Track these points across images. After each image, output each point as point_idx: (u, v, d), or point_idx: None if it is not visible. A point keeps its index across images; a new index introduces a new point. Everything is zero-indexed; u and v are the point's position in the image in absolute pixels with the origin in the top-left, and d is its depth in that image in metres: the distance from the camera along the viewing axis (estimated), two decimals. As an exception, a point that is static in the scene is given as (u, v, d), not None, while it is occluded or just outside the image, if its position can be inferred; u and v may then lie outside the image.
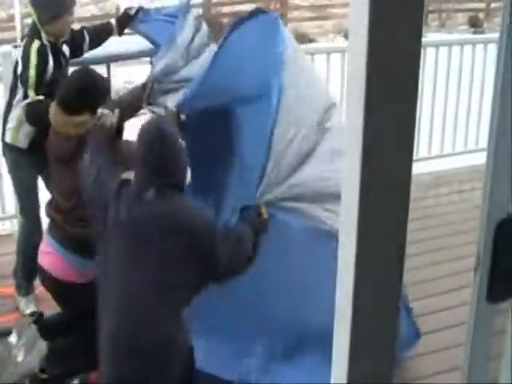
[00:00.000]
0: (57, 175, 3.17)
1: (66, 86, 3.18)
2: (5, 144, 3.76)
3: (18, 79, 3.61)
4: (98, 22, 4.23)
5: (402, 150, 1.13)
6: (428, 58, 5.54)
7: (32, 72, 3.50)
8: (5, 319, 3.73)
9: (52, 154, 3.16)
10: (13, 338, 3.32)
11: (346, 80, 1.12)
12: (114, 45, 4.80)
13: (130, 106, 3.37)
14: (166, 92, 3.37)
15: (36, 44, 3.56)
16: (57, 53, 3.68)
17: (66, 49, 3.79)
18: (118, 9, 17.68)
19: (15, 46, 4.27)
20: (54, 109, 3.12)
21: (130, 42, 4.18)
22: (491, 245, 1.30)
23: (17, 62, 3.66)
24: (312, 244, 3.16)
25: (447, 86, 5.78)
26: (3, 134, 3.74)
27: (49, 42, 3.62)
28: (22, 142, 3.67)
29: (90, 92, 3.08)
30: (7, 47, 4.96)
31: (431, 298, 3.93)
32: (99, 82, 3.16)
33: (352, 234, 1.12)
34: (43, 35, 3.60)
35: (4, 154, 3.83)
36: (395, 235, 1.16)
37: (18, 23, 15.43)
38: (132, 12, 3.88)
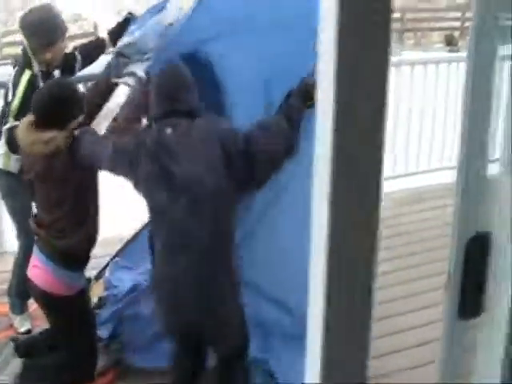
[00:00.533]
0: (37, 190, 3.17)
1: (36, 98, 3.12)
2: None
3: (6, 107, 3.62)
4: (80, 41, 4.16)
5: (371, 170, 1.14)
6: (404, 76, 5.60)
7: (16, 101, 3.50)
8: None
9: (27, 172, 3.17)
10: None
11: (318, 100, 1.13)
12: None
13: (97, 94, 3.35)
14: (132, 62, 3.32)
15: (27, 75, 3.53)
16: (48, 79, 3.61)
17: (57, 73, 3.74)
18: (95, 27, 17.71)
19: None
20: (23, 127, 3.09)
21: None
22: (462, 261, 1.31)
23: (7, 89, 3.63)
24: None
25: (423, 103, 5.84)
26: None
27: (41, 71, 3.58)
28: (13, 167, 3.66)
29: (61, 103, 3.04)
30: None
31: (400, 317, 3.93)
32: (71, 94, 3.10)
33: (322, 248, 1.12)
34: (35, 64, 3.55)
35: None
36: (365, 249, 1.16)
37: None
38: (121, 21, 3.76)
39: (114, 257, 4.01)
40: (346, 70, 1.05)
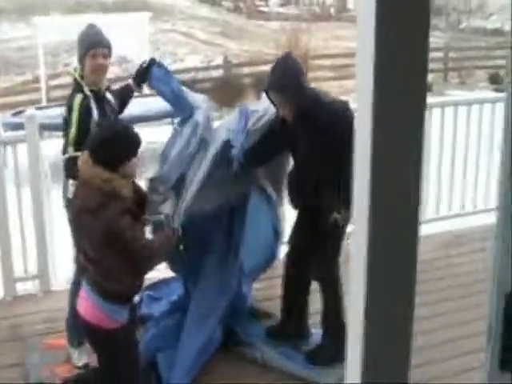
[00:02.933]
0: (83, 226, 3.18)
1: (90, 135, 3.23)
2: (68, 200, 3.81)
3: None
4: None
5: (407, 217, 1.13)
6: (448, 116, 5.56)
7: (73, 129, 3.62)
8: (58, 370, 3.75)
9: (78, 204, 3.19)
10: None
11: (356, 138, 1.14)
12: (134, 106, 4.92)
13: None
14: (163, 201, 3.57)
15: (78, 98, 3.68)
16: (100, 100, 3.78)
17: (110, 97, 3.89)
18: (141, 70, 18.07)
19: (39, 108, 4.37)
20: (84, 158, 3.15)
21: (147, 103, 4.26)
22: (502, 315, 1.28)
23: (65, 120, 3.76)
24: None
25: (467, 144, 5.78)
26: (65, 191, 3.81)
27: (91, 91, 3.72)
28: None
29: (112, 144, 3.11)
30: (31, 110, 5.07)
31: (439, 364, 3.84)
32: (123, 135, 3.17)
33: (360, 288, 1.12)
34: (85, 87, 3.71)
35: (67, 207, 3.84)
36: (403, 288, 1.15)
37: (43, 84, 15.85)
38: (144, 64, 3.96)
39: (145, 290, 4.29)
40: (383, 109, 1.06)
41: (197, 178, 3.74)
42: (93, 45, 3.77)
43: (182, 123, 3.98)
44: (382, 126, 1.05)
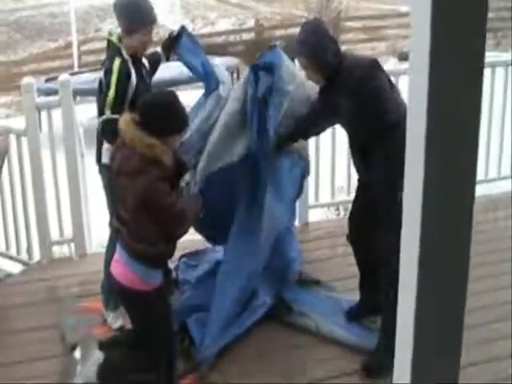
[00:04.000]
0: (120, 188, 3.19)
1: (144, 101, 3.21)
2: (101, 165, 3.86)
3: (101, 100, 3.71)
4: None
5: (465, 176, 1.10)
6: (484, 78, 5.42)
7: (112, 91, 3.61)
8: (94, 333, 3.80)
9: (116, 165, 3.18)
10: (77, 353, 3.38)
11: (408, 102, 1.11)
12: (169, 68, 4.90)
13: None
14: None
15: (117, 61, 3.67)
16: (138, 64, 3.79)
17: (145, 62, 3.91)
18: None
19: (72, 74, 4.36)
20: (127, 120, 3.13)
21: (179, 66, 4.25)
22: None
23: (100, 83, 3.76)
24: None
25: (504, 107, 5.66)
26: (99, 156, 3.84)
27: (129, 55, 3.72)
28: None
29: (166, 115, 3.10)
30: (65, 76, 5.07)
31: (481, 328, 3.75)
32: (177, 109, 3.16)
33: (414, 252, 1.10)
34: (123, 51, 3.71)
35: (101, 172, 3.89)
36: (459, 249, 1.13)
37: (75, 50, 15.87)
38: (173, 34, 3.94)
39: (181, 257, 4.42)
40: (439, 71, 1.03)
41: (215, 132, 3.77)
42: (150, 21, 3.77)
43: (206, 95, 3.96)
44: (437, 88, 1.02)
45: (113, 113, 3.55)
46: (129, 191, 3.08)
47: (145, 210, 3.06)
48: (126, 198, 3.13)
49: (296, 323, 3.94)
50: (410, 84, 1.09)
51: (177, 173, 3.23)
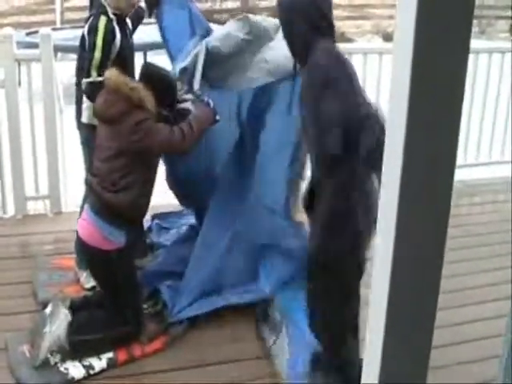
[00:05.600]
0: (100, 137, 3.30)
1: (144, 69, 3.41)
2: (80, 123, 3.85)
3: (84, 59, 3.67)
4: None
5: (445, 160, 1.10)
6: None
7: (97, 52, 3.58)
8: (66, 291, 3.78)
9: (99, 114, 3.32)
10: (47, 310, 3.40)
11: (391, 82, 1.10)
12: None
13: None
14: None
15: (103, 20, 3.64)
16: (122, 24, 3.78)
17: (128, 21, 3.90)
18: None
19: (54, 29, 4.30)
20: (111, 71, 3.29)
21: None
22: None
23: (83, 39, 3.73)
24: None
25: (486, 93, 5.69)
26: (78, 115, 3.83)
27: (114, 14, 3.70)
28: (96, 121, 3.67)
29: (159, 89, 3.28)
30: (47, 29, 4.99)
31: (459, 309, 3.82)
32: (170, 86, 3.39)
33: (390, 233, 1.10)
34: (109, 10, 3.68)
35: (79, 128, 3.90)
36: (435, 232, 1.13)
37: (58, 6, 15.58)
38: None
39: (153, 219, 4.45)
40: (423, 51, 1.02)
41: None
42: None
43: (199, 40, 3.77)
44: (421, 69, 1.01)
45: (99, 74, 3.52)
46: (114, 135, 3.21)
47: (130, 154, 3.17)
48: (104, 147, 3.25)
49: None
50: (393, 65, 1.08)
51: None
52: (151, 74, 3.35)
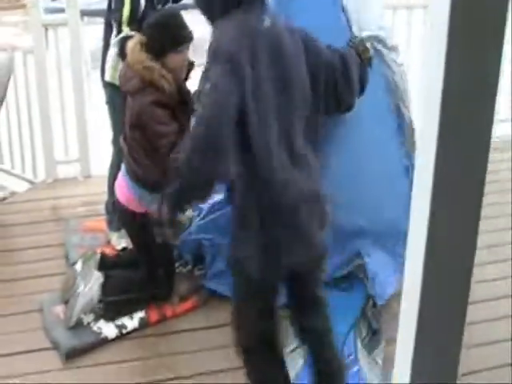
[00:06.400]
0: (128, 103, 3.25)
1: (150, 20, 3.23)
2: (105, 82, 3.82)
3: (112, 16, 3.64)
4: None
5: (482, 111, 1.06)
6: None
7: (126, 7, 3.53)
8: (97, 252, 3.76)
9: (120, 85, 3.27)
10: (78, 266, 3.44)
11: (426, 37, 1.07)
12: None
13: None
14: None
15: None
16: None
17: None
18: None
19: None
20: (134, 42, 3.17)
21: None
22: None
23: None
24: None
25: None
26: (103, 73, 3.79)
27: None
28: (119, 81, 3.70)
29: (163, 33, 3.12)
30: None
31: (483, 267, 3.68)
32: (175, 26, 3.16)
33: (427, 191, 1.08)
34: None
35: (105, 87, 3.85)
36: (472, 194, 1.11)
37: (84, -30, 15.17)
38: None
39: None
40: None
41: None
42: None
43: None
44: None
45: (131, 29, 3.50)
46: (129, 109, 3.18)
47: (139, 132, 3.12)
48: (126, 116, 3.23)
49: None
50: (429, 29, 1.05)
51: (182, 101, 3.18)
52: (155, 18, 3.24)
